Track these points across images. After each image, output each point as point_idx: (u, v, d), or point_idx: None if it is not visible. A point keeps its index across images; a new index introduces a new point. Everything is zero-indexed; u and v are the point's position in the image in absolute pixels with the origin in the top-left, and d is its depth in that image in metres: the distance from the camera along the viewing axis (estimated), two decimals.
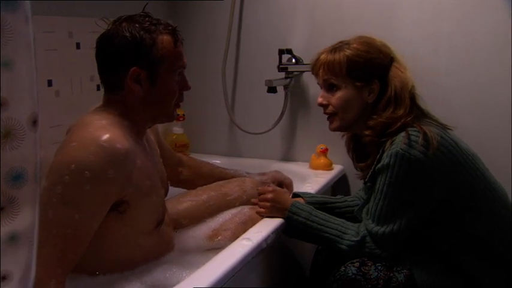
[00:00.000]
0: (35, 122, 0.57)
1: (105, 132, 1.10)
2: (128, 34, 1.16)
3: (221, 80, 2.07)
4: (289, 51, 1.97)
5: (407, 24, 1.80)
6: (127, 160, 1.11)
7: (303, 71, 2.02)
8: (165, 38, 1.19)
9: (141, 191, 1.18)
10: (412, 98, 1.33)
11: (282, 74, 1.99)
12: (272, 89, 1.94)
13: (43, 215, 1.07)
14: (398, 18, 1.82)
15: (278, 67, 1.97)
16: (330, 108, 1.37)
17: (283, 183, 1.70)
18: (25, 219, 0.58)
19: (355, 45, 1.33)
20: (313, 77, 1.99)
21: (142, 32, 1.16)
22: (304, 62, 1.98)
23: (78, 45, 1.72)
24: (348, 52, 1.32)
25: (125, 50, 1.16)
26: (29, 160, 0.57)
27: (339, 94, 1.34)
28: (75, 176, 1.05)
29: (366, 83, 1.33)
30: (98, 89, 1.80)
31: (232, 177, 1.66)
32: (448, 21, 1.76)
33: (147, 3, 1.27)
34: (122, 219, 1.16)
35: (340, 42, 1.37)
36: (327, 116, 1.40)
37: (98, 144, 1.07)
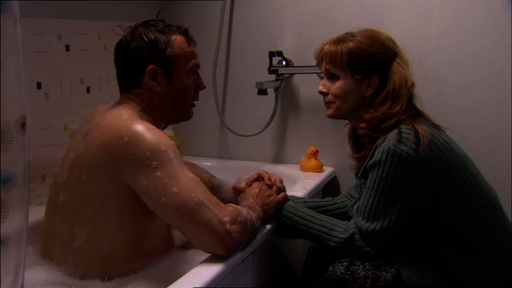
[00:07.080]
0: (23, 125, 0.56)
1: (138, 120, 1.18)
2: (144, 36, 1.26)
3: (212, 82, 2.07)
4: (279, 54, 1.98)
5: (396, 26, 1.81)
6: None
7: (294, 73, 2.02)
8: (179, 38, 1.29)
9: None
10: (410, 96, 1.34)
11: (273, 76, 1.99)
12: (263, 91, 1.94)
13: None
14: (388, 20, 1.83)
15: (269, 69, 1.97)
16: (329, 97, 1.39)
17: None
18: (14, 222, 0.58)
19: (358, 38, 1.34)
20: (303, 79, 2.03)
21: (157, 33, 1.27)
22: (295, 65, 1.99)
23: (67, 48, 1.71)
24: (350, 45, 1.33)
25: (142, 51, 1.26)
26: (17, 163, 0.56)
27: (338, 84, 1.36)
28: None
29: (365, 76, 1.34)
30: (88, 91, 1.79)
31: (217, 186, 1.56)
32: (437, 23, 1.78)
33: (160, 10, 1.37)
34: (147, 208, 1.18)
35: (346, 33, 1.38)
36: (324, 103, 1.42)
37: (139, 126, 1.15)
